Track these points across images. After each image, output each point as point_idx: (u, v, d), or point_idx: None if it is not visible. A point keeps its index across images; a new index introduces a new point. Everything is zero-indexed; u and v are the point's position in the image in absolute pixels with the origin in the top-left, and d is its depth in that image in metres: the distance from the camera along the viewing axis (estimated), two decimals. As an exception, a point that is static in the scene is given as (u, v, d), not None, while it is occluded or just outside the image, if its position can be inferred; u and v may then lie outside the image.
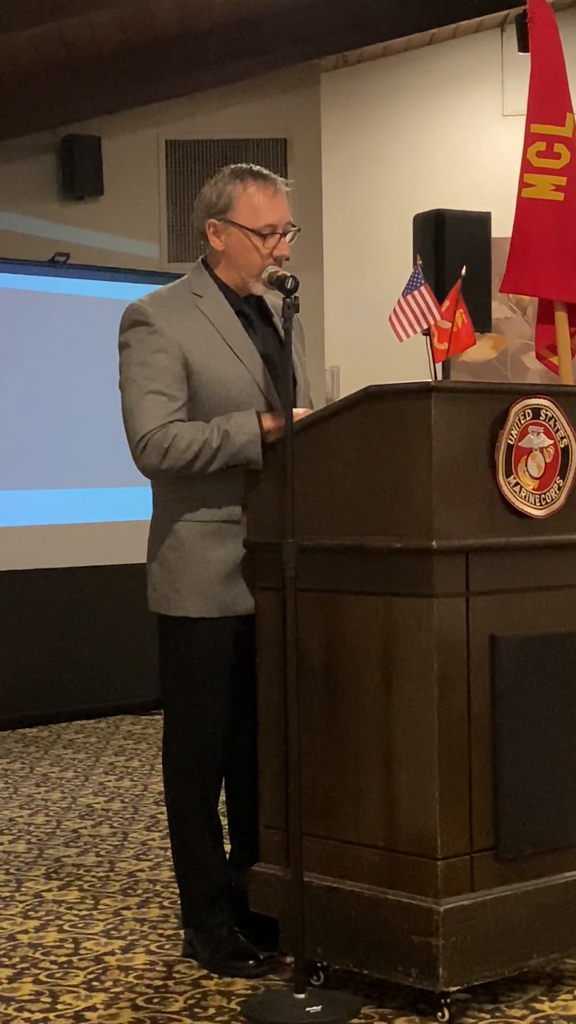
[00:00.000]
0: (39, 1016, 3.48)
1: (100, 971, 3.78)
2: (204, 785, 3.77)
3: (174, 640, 3.75)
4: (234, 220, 3.69)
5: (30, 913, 4.31)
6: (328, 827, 3.52)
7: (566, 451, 3.52)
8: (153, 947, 3.97)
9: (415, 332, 5.04)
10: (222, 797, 3.88)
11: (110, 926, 4.17)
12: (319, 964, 3.54)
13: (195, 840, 3.79)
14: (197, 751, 3.75)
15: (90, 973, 3.77)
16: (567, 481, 3.53)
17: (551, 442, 3.49)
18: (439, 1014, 3.32)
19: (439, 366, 5.42)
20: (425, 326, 5.09)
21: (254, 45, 8.57)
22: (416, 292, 5.02)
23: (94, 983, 3.69)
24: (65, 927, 4.17)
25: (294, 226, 3.75)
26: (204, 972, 3.74)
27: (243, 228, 3.68)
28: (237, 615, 3.70)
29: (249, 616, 3.71)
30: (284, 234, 3.71)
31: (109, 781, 6.29)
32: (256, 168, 3.75)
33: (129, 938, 4.05)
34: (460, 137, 9.87)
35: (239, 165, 3.77)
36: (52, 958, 3.89)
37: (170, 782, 3.82)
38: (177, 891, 3.93)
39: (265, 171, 3.74)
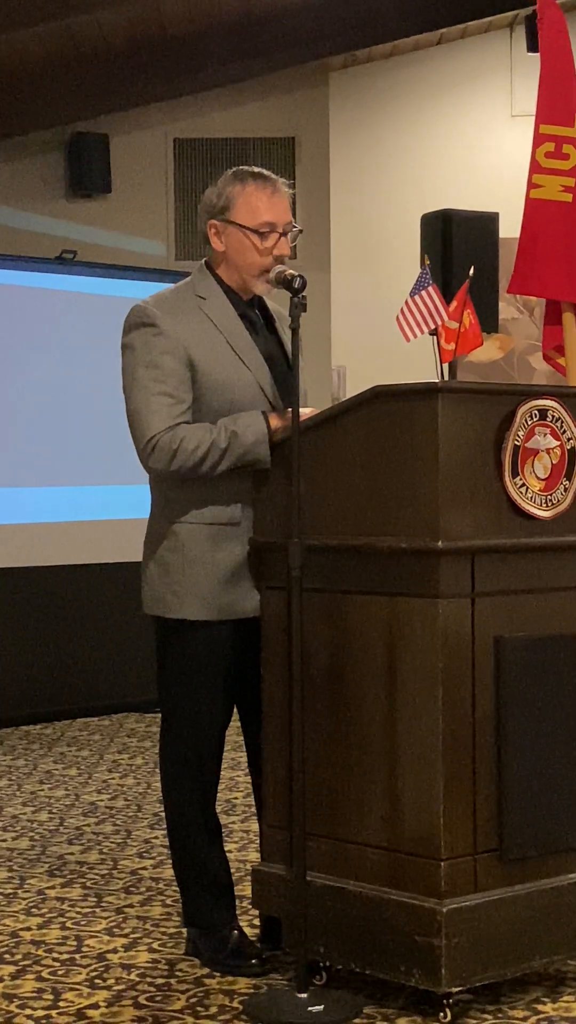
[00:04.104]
0: (41, 1013, 3.48)
1: (102, 969, 3.78)
2: (202, 785, 3.77)
3: (172, 643, 3.74)
4: (233, 220, 3.69)
5: (33, 910, 4.32)
6: (332, 827, 3.52)
7: (573, 452, 3.52)
8: (155, 945, 3.97)
9: (422, 332, 5.03)
10: (221, 796, 3.88)
11: (113, 924, 4.17)
12: (321, 964, 3.54)
13: (195, 840, 3.79)
14: (195, 752, 3.75)
15: (92, 971, 3.77)
16: (573, 482, 3.52)
17: (558, 443, 3.49)
18: (441, 1014, 3.32)
19: (446, 367, 5.40)
20: (432, 326, 5.07)
21: (263, 44, 8.56)
22: (423, 292, 5.00)
23: (96, 981, 3.69)
24: (68, 924, 4.17)
25: (295, 226, 3.75)
26: (206, 971, 3.74)
27: (242, 227, 3.68)
28: (235, 618, 3.70)
29: (247, 619, 3.70)
30: (284, 234, 3.71)
31: (113, 778, 6.29)
32: (257, 169, 3.76)
33: (132, 936, 4.05)
34: (468, 137, 9.86)
35: (240, 167, 3.78)
36: (54, 955, 3.89)
37: (168, 783, 3.82)
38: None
39: (266, 172, 3.75)
